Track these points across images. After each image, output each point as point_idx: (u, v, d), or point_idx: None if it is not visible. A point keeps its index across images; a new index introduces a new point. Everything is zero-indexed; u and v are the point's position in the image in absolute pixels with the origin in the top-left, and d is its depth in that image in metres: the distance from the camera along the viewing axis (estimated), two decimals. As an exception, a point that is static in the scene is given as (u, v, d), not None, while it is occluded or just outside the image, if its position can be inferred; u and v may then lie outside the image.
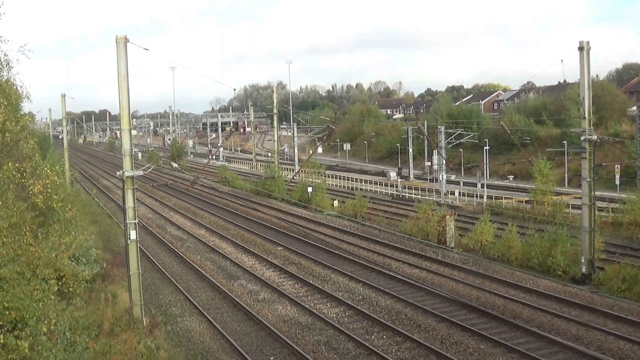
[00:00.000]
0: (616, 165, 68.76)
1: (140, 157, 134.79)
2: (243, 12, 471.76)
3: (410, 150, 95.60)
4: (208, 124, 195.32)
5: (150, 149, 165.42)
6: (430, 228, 45.41)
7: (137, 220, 26.68)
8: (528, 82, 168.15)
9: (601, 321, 27.26)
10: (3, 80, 30.12)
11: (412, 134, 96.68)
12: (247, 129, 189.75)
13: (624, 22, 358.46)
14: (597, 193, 38.60)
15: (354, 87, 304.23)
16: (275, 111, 77.98)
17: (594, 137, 33.96)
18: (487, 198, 66.37)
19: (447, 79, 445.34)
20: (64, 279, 24.79)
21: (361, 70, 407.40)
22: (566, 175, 79.42)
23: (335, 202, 63.19)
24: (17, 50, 27.13)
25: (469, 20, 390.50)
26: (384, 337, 26.24)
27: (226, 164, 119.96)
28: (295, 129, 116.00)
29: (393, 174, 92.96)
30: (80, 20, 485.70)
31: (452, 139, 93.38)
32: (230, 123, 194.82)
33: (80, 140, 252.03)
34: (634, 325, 26.49)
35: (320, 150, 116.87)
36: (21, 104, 35.32)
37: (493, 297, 31.11)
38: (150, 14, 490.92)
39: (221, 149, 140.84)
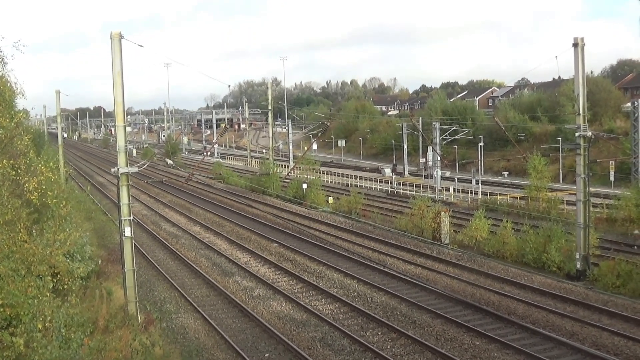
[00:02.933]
0: (611, 162, 68.77)
1: (135, 154, 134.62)
2: (238, 8, 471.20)
3: (405, 146, 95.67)
4: (203, 121, 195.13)
5: (145, 146, 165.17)
6: (425, 224, 45.43)
7: (132, 217, 26.65)
8: (523, 79, 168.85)
9: (596, 317, 27.33)
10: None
11: (407, 130, 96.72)
12: (242, 126, 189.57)
13: (619, 18, 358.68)
14: (592, 189, 38.67)
15: (349, 83, 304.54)
16: (270, 108, 78.00)
17: (589, 134, 34.01)
18: (481, 194, 66.45)
19: (441, 75, 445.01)
20: (58, 275, 24.76)
21: (356, 66, 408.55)
22: (561, 171, 79.60)
23: (330, 199, 63.17)
24: (12, 45, 27.08)
25: (463, 16, 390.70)
26: (379, 333, 26.27)
27: (221, 160, 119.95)
28: (290, 125, 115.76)
29: (388, 171, 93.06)
30: (75, 16, 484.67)
31: (446, 136, 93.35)
32: (224, 119, 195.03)
33: (75, 137, 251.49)
34: (629, 321, 26.57)
35: (315, 146, 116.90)
36: (15, 100, 35.24)
37: (488, 293, 31.16)
38: (144, 10, 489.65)
39: (216, 146, 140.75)
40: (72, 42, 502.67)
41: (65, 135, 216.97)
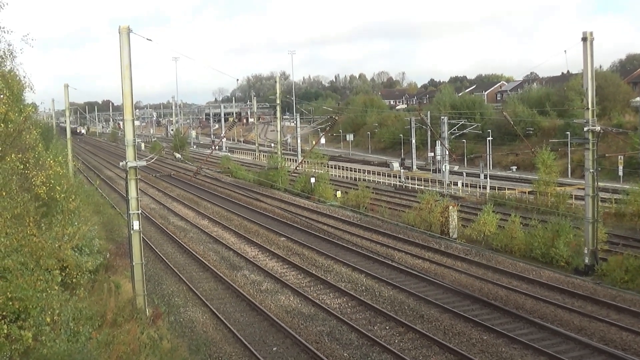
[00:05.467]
0: (619, 156, 68.60)
1: (143, 148, 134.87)
2: (245, 2, 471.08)
3: (413, 140, 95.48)
4: (211, 115, 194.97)
5: (153, 140, 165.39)
6: (433, 219, 45.40)
7: (140, 211, 26.70)
8: (531, 73, 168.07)
9: (604, 312, 27.27)
10: (6, 70, 30.05)
11: (415, 124, 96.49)
12: (250, 120, 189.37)
13: (628, 12, 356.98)
14: (600, 184, 38.50)
15: (357, 77, 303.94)
16: (278, 102, 77.97)
17: (597, 128, 33.89)
18: (490, 189, 66.29)
19: (450, 70, 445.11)
20: (67, 269, 24.80)
21: (364, 60, 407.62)
22: (569, 166, 79.29)
23: (338, 193, 63.18)
24: (20, 39, 27.01)
25: (471, 10, 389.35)
26: (387, 327, 26.29)
27: (229, 154, 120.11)
28: (298, 119, 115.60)
29: (396, 165, 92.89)
30: (83, 13, 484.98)
31: (455, 130, 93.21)
32: (233, 113, 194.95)
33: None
34: (637, 316, 26.50)
35: (323, 140, 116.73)
36: (24, 94, 35.26)
37: (496, 287, 31.13)
38: (153, 4, 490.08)
39: (224, 140, 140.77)
40: (80, 38, 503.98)
41: (84, 131, 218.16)
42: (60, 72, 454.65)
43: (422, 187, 68.23)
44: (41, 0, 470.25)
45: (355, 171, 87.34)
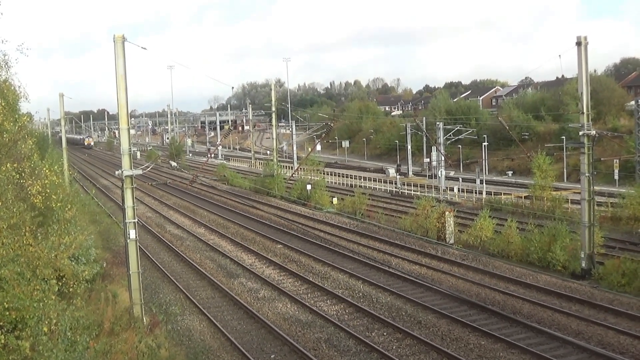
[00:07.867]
0: (615, 160, 68.81)
1: (139, 156, 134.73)
2: (241, 10, 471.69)
3: (409, 146, 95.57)
4: (207, 123, 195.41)
5: (149, 148, 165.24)
6: (429, 224, 45.41)
7: (136, 220, 26.68)
8: (526, 78, 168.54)
9: (601, 316, 27.29)
10: (1, 80, 30.08)
11: (411, 130, 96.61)
12: (246, 127, 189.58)
13: (622, 16, 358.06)
14: (596, 188, 38.60)
15: (352, 84, 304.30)
16: (273, 109, 77.85)
17: (593, 132, 33.94)
18: (486, 194, 66.34)
19: (445, 75, 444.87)
20: (64, 278, 24.77)
21: (359, 67, 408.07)
22: (565, 170, 79.45)
23: (335, 200, 63.17)
24: (15, 49, 27.08)
25: (465, 15, 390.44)
26: (385, 334, 26.26)
27: (225, 162, 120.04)
28: (294, 126, 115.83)
29: (392, 171, 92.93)
30: (82, 20, 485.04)
31: (450, 135, 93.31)
32: (228, 121, 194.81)
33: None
34: (634, 320, 26.52)
35: (319, 147, 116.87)
36: (19, 104, 35.30)
37: (493, 292, 31.13)
38: (151, 11, 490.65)
39: (220, 148, 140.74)
40: (78, 45, 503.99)
41: (92, 143, 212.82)
42: (57, 78, 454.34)
43: (419, 193, 68.30)
44: (39, 8, 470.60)
45: (351, 178, 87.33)
